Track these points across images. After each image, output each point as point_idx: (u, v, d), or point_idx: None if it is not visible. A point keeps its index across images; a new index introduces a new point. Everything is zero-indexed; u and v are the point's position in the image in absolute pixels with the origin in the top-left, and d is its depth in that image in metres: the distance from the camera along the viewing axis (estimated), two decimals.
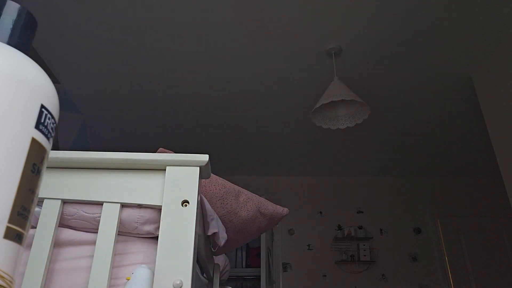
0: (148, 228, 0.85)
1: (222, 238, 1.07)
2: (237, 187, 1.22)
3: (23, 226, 0.27)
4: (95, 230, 0.91)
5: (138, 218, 0.90)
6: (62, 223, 0.92)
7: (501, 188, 4.25)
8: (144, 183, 0.78)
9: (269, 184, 4.63)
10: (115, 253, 0.88)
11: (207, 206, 1.02)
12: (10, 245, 0.25)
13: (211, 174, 1.08)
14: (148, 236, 0.89)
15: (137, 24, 2.38)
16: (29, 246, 0.86)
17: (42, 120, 0.28)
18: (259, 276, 4.10)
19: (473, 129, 3.38)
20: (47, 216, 0.89)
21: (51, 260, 0.88)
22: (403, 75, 2.80)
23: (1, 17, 0.30)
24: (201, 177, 0.85)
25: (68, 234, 0.92)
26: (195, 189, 0.82)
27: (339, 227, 4.34)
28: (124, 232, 0.92)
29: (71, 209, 0.92)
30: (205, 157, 0.83)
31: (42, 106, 0.28)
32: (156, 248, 0.87)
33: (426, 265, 4.10)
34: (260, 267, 4.09)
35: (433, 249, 4.17)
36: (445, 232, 4.22)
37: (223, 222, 1.18)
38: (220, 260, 1.83)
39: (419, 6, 2.21)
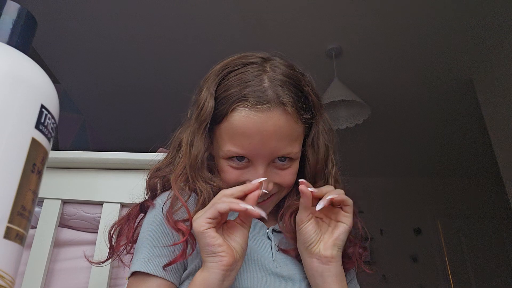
0: None
1: None
2: None
3: (23, 226, 0.27)
4: (95, 230, 0.91)
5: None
6: (62, 223, 0.92)
7: (501, 188, 4.24)
8: (144, 183, 0.78)
9: None
10: None
11: None
12: (10, 245, 0.25)
13: None
14: None
15: (138, 24, 2.38)
16: (29, 246, 0.86)
17: (42, 120, 0.28)
18: None
19: (473, 130, 3.37)
20: (47, 216, 0.89)
21: (51, 260, 0.88)
22: (404, 76, 2.80)
23: (1, 17, 0.30)
24: None
25: (68, 234, 0.92)
26: None
27: None
28: None
29: (71, 209, 0.92)
30: None
31: (42, 106, 0.28)
32: None
33: (426, 266, 4.09)
34: None
35: (433, 250, 4.16)
36: (445, 232, 4.21)
37: None
38: None
39: (420, 7, 2.21)
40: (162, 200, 0.64)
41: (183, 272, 0.60)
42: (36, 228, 0.88)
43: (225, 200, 0.52)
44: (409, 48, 2.53)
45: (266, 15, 2.30)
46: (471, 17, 2.26)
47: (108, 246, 0.65)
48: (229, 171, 0.62)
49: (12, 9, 0.30)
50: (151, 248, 0.59)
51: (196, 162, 0.62)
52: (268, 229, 0.67)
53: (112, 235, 0.65)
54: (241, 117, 0.59)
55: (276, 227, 0.68)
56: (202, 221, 0.51)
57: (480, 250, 4.07)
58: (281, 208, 0.70)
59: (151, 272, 0.56)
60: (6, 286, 0.25)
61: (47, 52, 2.57)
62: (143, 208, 0.66)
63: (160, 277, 0.57)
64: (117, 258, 0.65)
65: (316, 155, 0.66)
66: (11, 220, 0.25)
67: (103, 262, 0.67)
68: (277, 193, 0.66)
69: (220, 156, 0.63)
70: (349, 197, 0.64)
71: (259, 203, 0.64)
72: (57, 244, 0.90)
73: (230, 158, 0.61)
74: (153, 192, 0.67)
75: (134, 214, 0.65)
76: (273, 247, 0.64)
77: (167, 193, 0.64)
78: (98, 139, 3.56)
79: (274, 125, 0.59)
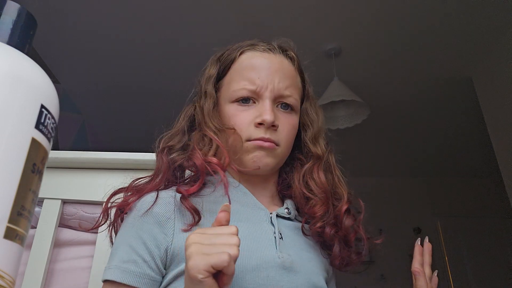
0: None
1: None
2: None
3: (23, 226, 0.27)
4: (95, 230, 0.91)
5: None
6: (62, 223, 0.92)
7: (501, 188, 4.24)
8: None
9: None
10: None
11: None
12: (10, 245, 0.25)
13: None
14: None
15: (138, 24, 2.37)
16: (29, 246, 0.86)
17: (42, 120, 0.28)
18: None
19: (473, 129, 3.37)
20: (47, 216, 0.88)
21: (51, 260, 0.88)
22: (403, 75, 2.79)
23: (1, 17, 0.30)
24: None
25: (68, 234, 0.92)
26: None
27: None
28: None
29: (71, 209, 0.91)
30: None
31: (42, 106, 0.28)
32: None
33: None
34: None
35: (433, 250, 4.15)
36: (445, 232, 4.21)
37: None
38: None
39: (419, 6, 2.21)
40: (141, 204, 0.60)
41: (162, 278, 0.56)
42: (36, 228, 0.88)
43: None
44: (409, 48, 2.53)
45: (265, 15, 2.30)
46: (470, 16, 2.26)
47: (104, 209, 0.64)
48: (238, 113, 0.64)
49: (12, 9, 0.30)
50: (127, 254, 0.55)
51: (210, 110, 0.66)
52: (271, 213, 0.63)
53: (111, 199, 0.64)
54: (249, 56, 0.71)
55: (280, 211, 0.64)
56: None
57: (479, 250, 4.07)
58: (282, 190, 0.70)
59: (127, 283, 0.53)
60: (6, 286, 0.25)
61: (47, 52, 2.57)
62: (121, 209, 0.62)
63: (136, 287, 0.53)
64: (110, 227, 0.64)
65: (318, 118, 0.72)
66: (11, 220, 0.25)
67: (95, 227, 0.67)
68: (273, 150, 0.63)
69: (228, 100, 0.66)
70: (351, 196, 0.71)
71: (261, 139, 0.62)
72: (57, 244, 0.90)
73: (238, 100, 0.65)
74: (177, 168, 0.64)
75: (139, 188, 0.63)
76: (276, 234, 0.59)
77: (147, 196, 0.60)
78: (98, 139, 3.56)
79: (279, 63, 0.69)
